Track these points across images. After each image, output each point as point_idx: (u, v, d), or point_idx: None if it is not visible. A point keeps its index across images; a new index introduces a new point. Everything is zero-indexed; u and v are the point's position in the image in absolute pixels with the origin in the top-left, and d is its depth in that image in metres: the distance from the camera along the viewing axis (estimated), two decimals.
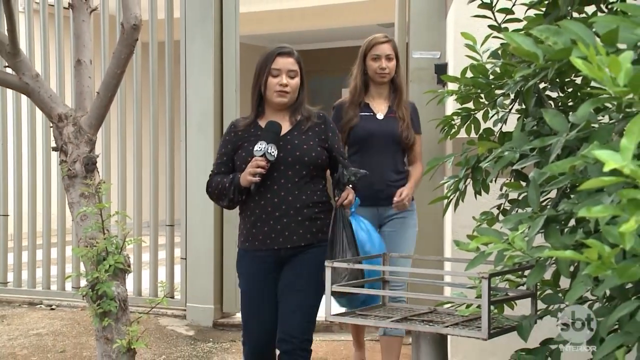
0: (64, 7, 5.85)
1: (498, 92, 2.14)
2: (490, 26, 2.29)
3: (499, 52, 2.21)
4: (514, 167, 1.95)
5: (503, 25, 2.27)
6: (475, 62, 2.18)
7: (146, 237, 5.62)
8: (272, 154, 3.12)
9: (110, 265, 3.14)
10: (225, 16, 5.64)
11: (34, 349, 5.17)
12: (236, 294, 5.25)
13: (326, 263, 2.37)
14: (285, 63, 3.26)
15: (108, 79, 3.32)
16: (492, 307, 2.04)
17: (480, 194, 2.25)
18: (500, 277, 2.22)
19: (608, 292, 1.74)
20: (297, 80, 3.28)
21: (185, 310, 5.83)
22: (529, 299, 2.17)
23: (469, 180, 2.25)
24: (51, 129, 3.41)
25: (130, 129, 6.24)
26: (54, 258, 6.57)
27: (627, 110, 1.54)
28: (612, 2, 1.97)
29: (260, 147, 3.12)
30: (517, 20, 2.23)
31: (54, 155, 3.65)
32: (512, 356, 1.99)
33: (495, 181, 2.20)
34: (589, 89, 1.74)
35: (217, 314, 5.66)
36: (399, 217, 4.00)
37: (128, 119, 6.33)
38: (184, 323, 5.73)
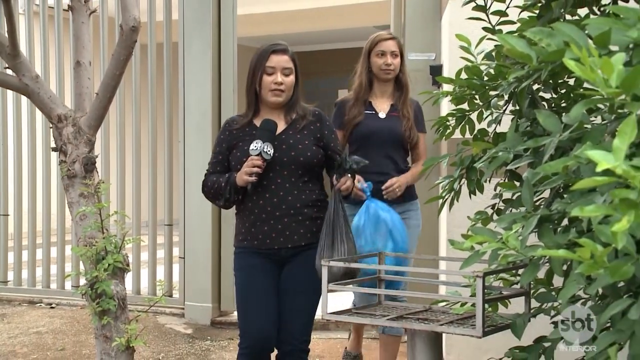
0: (64, 9, 5.84)
1: (492, 93, 2.14)
2: (484, 28, 2.29)
3: (493, 53, 2.21)
4: (508, 167, 1.95)
5: (497, 27, 2.27)
6: (469, 64, 2.18)
7: (145, 236, 5.61)
8: (269, 152, 3.07)
9: (109, 264, 3.14)
10: (223, 18, 5.64)
11: (34, 347, 5.16)
12: (234, 292, 5.24)
13: (322, 262, 2.36)
14: (279, 61, 3.18)
15: (107, 80, 3.32)
16: (486, 306, 2.04)
17: (474, 194, 2.26)
18: (494, 275, 2.22)
19: (600, 291, 1.74)
20: (292, 77, 3.21)
21: (183, 308, 5.83)
22: (523, 297, 2.18)
23: (463, 180, 2.25)
24: (51, 129, 3.41)
25: (129, 130, 6.24)
26: (54, 257, 6.57)
27: (619, 111, 1.54)
28: (605, 5, 1.98)
29: (256, 146, 3.07)
30: (511, 22, 2.23)
31: (54, 156, 3.64)
32: (506, 354, 1.99)
33: (490, 181, 2.20)
34: (581, 90, 1.74)
35: (215, 313, 5.65)
36: (402, 217, 3.94)
37: (127, 120, 6.32)
38: (182, 321, 5.73)
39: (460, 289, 2.40)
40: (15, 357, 4.94)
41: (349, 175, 3.11)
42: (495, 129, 2.25)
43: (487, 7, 2.28)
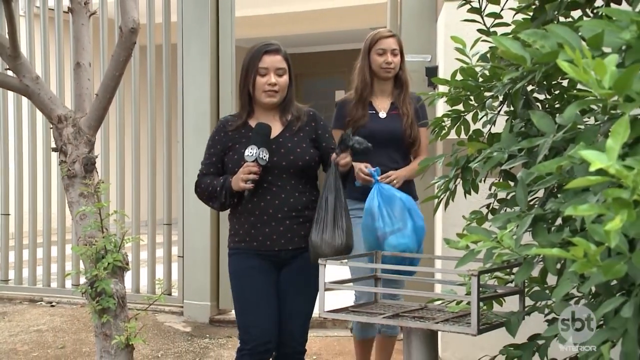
0: (64, 11, 5.83)
1: (487, 94, 2.14)
2: (479, 30, 2.29)
3: (488, 55, 2.21)
4: (503, 168, 1.95)
5: (492, 29, 2.27)
6: (464, 65, 2.18)
7: (144, 235, 5.61)
8: (264, 158, 3.01)
9: (109, 263, 3.13)
10: (221, 20, 5.64)
11: (34, 344, 5.16)
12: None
13: (320, 261, 2.36)
14: (272, 61, 3.11)
15: (107, 81, 3.31)
16: (481, 304, 2.04)
17: (469, 194, 2.26)
18: (489, 274, 2.22)
19: (594, 289, 1.74)
20: (285, 78, 3.14)
21: (182, 307, 5.82)
22: (517, 295, 2.18)
23: (458, 180, 2.25)
24: (51, 130, 3.41)
25: (129, 130, 6.23)
26: (54, 256, 6.56)
27: (612, 112, 1.54)
28: (598, 7, 1.98)
29: (251, 152, 3.00)
30: (506, 24, 2.23)
31: (54, 156, 3.64)
32: (501, 351, 1.99)
33: (485, 181, 2.20)
34: (575, 91, 1.75)
35: (213, 311, 5.65)
36: None
37: (126, 120, 6.32)
38: (181, 319, 5.73)
39: (456, 287, 2.40)
40: (16, 355, 4.93)
41: (349, 153, 3.02)
42: (490, 129, 2.25)
43: (482, 10, 2.28)
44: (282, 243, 3.09)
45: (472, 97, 2.18)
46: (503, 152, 1.90)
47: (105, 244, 3.17)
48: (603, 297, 1.58)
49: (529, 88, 2.05)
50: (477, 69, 2.15)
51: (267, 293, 3.11)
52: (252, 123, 3.15)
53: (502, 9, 2.25)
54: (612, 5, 1.90)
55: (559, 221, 1.76)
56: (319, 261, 2.35)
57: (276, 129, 3.13)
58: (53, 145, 3.40)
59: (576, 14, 2.02)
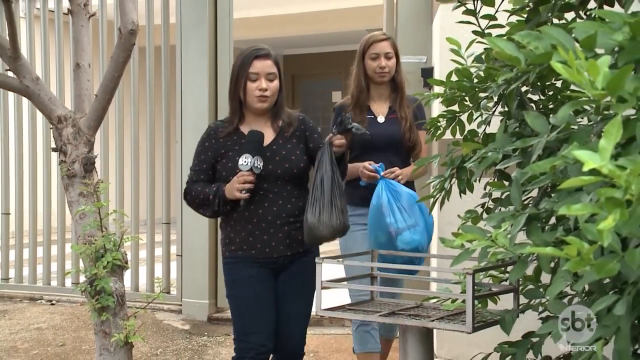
0: (64, 13, 5.83)
1: (482, 95, 2.14)
2: (474, 32, 2.29)
3: (483, 56, 2.21)
4: (497, 167, 1.95)
5: (487, 31, 2.27)
6: (460, 66, 2.18)
7: (143, 234, 5.61)
8: (259, 167, 2.95)
9: (108, 262, 3.13)
10: (219, 22, 5.64)
11: (34, 342, 5.15)
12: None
13: (317, 260, 2.36)
14: (263, 66, 3.04)
15: (106, 82, 3.31)
16: (476, 302, 2.04)
17: (465, 193, 2.25)
18: (484, 273, 2.23)
19: (587, 287, 1.74)
20: (276, 82, 3.07)
21: (181, 305, 5.82)
22: (512, 293, 2.18)
23: (454, 179, 2.25)
24: (51, 130, 3.40)
25: (128, 130, 6.23)
26: (54, 255, 6.56)
27: (605, 112, 1.54)
28: (591, 9, 1.98)
29: (245, 160, 2.95)
30: (500, 26, 2.23)
31: (54, 156, 3.63)
32: (495, 349, 1.99)
33: (479, 181, 2.20)
34: (568, 92, 1.75)
35: (211, 309, 5.65)
36: None
37: (125, 121, 6.32)
38: (180, 317, 5.73)
39: (451, 285, 2.40)
40: (17, 353, 4.93)
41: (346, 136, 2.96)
42: (484, 129, 2.25)
43: (477, 11, 2.28)
44: (280, 249, 3.05)
45: (467, 98, 2.18)
46: (498, 152, 1.90)
47: (105, 243, 3.17)
48: (596, 295, 1.58)
49: (523, 89, 2.05)
50: (472, 70, 2.15)
51: (267, 301, 3.06)
52: (244, 129, 3.10)
53: (496, 11, 2.25)
54: (605, 7, 1.90)
55: (552, 220, 1.76)
56: (316, 260, 2.35)
57: (268, 135, 3.08)
58: (53, 145, 3.40)
59: (569, 15, 2.03)
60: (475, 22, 2.28)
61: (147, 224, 6.15)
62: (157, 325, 5.52)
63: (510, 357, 1.95)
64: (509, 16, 2.17)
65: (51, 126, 3.38)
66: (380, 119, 3.75)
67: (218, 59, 5.62)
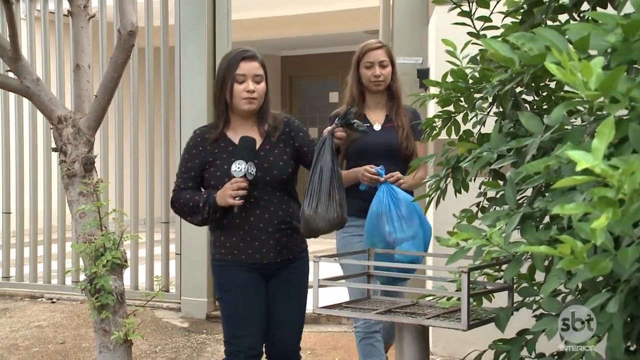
0: (64, 15, 5.83)
1: (477, 95, 2.14)
2: (469, 33, 2.29)
3: (478, 57, 2.21)
4: (492, 167, 1.95)
5: (481, 33, 2.27)
6: (455, 67, 2.18)
7: (142, 233, 5.60)
8: (252, 173, 2.90)
9: (107, 261, 3.13)
10: (218, 23, 5.64)
11: (35, 340, 5.14)
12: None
13: (313, 258, 2.35)
14: (250, 68, 2.97)
15: (106, 83, 3.31)
16: (471, 300, 2.04)
17: (460, 193, 2.25)
18: (479, 271, 2.22)
19: (580, 285, 1.74)
20: (263, 84, 3.00)
21: (179, 303, 5.82)
22: (506, 291, 2.18)
23: (449, 179, 2.25)
24: (51, 130, 3.40)
25: (127, 131, 6.23)
26: (55, 253, 6.55)
27: (598, 112, 1.54)
28: (584, 11, 1.98)
29: (239, 167, 2.87)
30: (495, 27, 2.23)
31: (54, 156, 3.63)
32: (490, 346, 1.99)
33: (475, 180, 2.20)
34: (562, 92, 1.75)
35: (210, 307, 5.65)
36: None
37: (125, 121, 6.31)
38: (179, 315, 5.73)
39: (446, 283, 2.40)
40: (17, 350, 4.92)
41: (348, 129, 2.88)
42: (479, 130, 2.25)
43: (472, 13, 2.28)
44: (271, 256, 3.00)
45: (462, 99, 2.18)
46: (492, 152, 1.90)
47: (104, 242, 3.17)
48: (589, 293, 1.59)
49: (518, 89, 2.05)
50: (468, 71, 2.15)
51: (256, 305, 3.02)
52: (230, 134, 3.04)
53: (491, 13, 2.25)
54: (598, 9, 1.90)
55: (546, 219, 1.76)
56: (313, 259, 2.34)
57: (255, 139, 3.00)
58: (53, 145, 3.40)
59: (563, 17, 2.03)
60: (471, 23, 2.29)
61: (147, 223, 6.15)
62: (156, 323, 5.52)
63: (504, 354, 1.95)
64: (504, 18, 2.17)
65: (51, 126, 3.38)
66: (377, 127, 3.64)
67: (217, 60, 5.61)
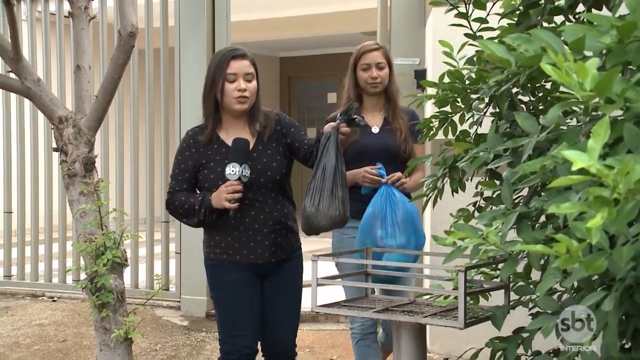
0: (65, 16, 5.82)
1: (473, 96, 2.14)
2: (466, 34, 2.29)
3: (474, 58, 2.21)
4: (489, 167, 1.95)
5: (478, 34, 2.27)
6: (452, 68, 2.18)
7: (142, 232, 5.60)
8: (246, 175, 2.85)
9: (108, 260, 3.13)
10: (217, 25, 5.64)
11: (36, 338, 5.14)
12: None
13: (312, 257, 2.35)
14: (240, 66, 2.91)
15: (106, 84, 3.30)
16: (468, 298, 2.04)
17: (457, 192, 2.25)
18: (475, 270, 2.22)
19: (576, 284, 1.74)
20: (254, 83, 2.94)
21: (179, 301, 5.82)
22: (503, 290, 2.18)
23: (446, 179, 2.25)
24: (52, 130, 3.40)
25: (128, 131, 6.22)
26: (56, 252, 6.55)
27: (593, 113, 1.54)
28: (579, 13, 1.98)
29: (234, 170, 2.83)
30: (491, 29, 2.23)
31: (55, 156, 3.63)
32: (487, 344, 1.99)
33: (471, 180, 2.20)
34: (558, 93, 1.75)
35: (209, 305, 5.64)
36: None
37: (125, 121, 6.31)
38: (179, 314, 5.72)
39: (444, 282, 2.40)
40: (19, 348, 4.92)
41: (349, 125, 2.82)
42: (476, 130, 2.25)
43: (469, 15, 2.28)
44: (265, 256, 2.98)
45: (459, 99, 2.18)
46: (489, 152, 1.90)
47: (105, 241, 3.16)
48: (585, 291, 1.59)
49: (514, 90, 2.05)
50: (464, 71, 2.15)
51: (251, 304, 3.00)
52: (223, 135, 3.00)
53: (488, 14, 2.25)
54: (593, 10, 1.90)
55: (542, 218, 1.76)
56: (311, 258, 2.34)
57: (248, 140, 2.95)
58: (54, 145, 3.39)
59: (559, 19, 2.03)
60: (467, 25, 2.29)
61: (147, 222, 6.15)
62: (156, 321, 5.51)
63: (501, 352, 1.95)
64: (500, 19, 2.17)
65: (52, 126, 3.38)
66: (375, 130, 3.56)
67: None
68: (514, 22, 2.09)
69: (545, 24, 2.02)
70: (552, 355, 1.87)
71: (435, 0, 2.30)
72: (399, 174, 3.35)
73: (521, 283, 2.13)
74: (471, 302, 2.27)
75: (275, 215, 2.98)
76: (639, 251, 1.26)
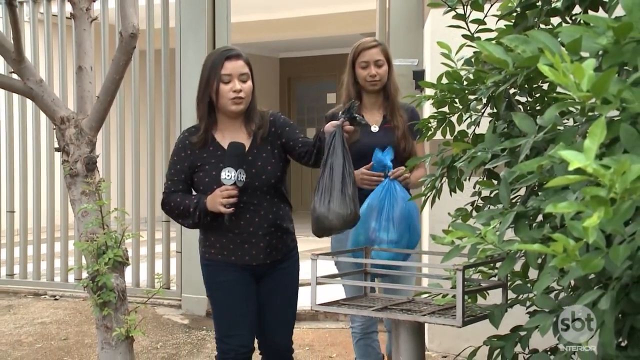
0: (67, 17, 5.82)
1: (471, 97, 2.14)
2: (464, 36, 2.29)
3: (472, 59, 2.21)
4: (486, 167, 1.95)
5: (476, 35, 2.27)
6: (450, 69, 2.18)
7: (144, 232, 5.60)
8: (242, 180, 2.82)
9: (109, 259, 3.13)
10: (217, 26, 5.64)
11: (38, 336, 5.14)
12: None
13: (311, 256, 2.35)
14: (235, 67, 2.86)
15: (107, 84, 3.30)
16: (466, 297, 2.04)
17: (455, 192, 2.25)
18: (473, 268, 2.22)
19: (573, 282, 1.74)
20: (249, 83, 2.89)
21: (180, 300, 5.82)
22: (500, 289, 2.18)
23: (444, 178, 2.25)
24: (54, 131, 3.40)
25: (129, 131, 6.22)
26: (58, 251, 6.55)
27: (590, 113, 1.54)
28: (576, 14, 1.98)
29: (229, 175, 2.80)
30: (489, 30, 2.23)
31: (57, 156, 3.63)
32: (485, 342, 1.99)
33: (469, 180, 2.20)
34: (555, 94, 1.75)
35: (210, 304, 5.64)
36: None
37: (127, 122, 6.31)
38: (179, 312, 5.72)
39: (442, 281, 2.40)
40: (21, 346, 4.92)
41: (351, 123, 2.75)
42: (474, 130, 2.25)
43: (467, 16, 2.28)
44: (261, 258, 2.97)
45: (457, 100, 2.18)
46: (487, 152, 1.90)
47: (106, 240, 3.16)
48: (581, 290, 1.59)
49: (511, 91, 2.05)
50: (462, 72, 2.15)
51: (247, 303, 2.99)
52: (218, 137, 2.97)
53: (485, 16, 2.25)
54: (590, 12, 1.90)
55: (539, 218, 1.76)
56: (311, 256, 2.33)
57: (243, 142, 2.92)
58: (56, 145, 3.39)
59: (556, 20, 2.03)
60: (465, 26, 2.29)
61: (148, 222, 6.14)
62: (157, 319, 5.51)
63: (498, 350, 1.95)
64: (498, 21, 2.17)
65: (54, 127, 3.38)
66: (374, 128, 3.48)
67: None
68: (511, 23, 2.09)
69: (542, 26, 2.02)
70: (549, 353, 1.87)
71: (433, 2, 2.30)
72: (402, 168, 3.25)
73: (519, 282, 2.13)
74: (469, 300, 2.27)
75: (271, 218, 2.96)
76: (635, 250, 1.26)
